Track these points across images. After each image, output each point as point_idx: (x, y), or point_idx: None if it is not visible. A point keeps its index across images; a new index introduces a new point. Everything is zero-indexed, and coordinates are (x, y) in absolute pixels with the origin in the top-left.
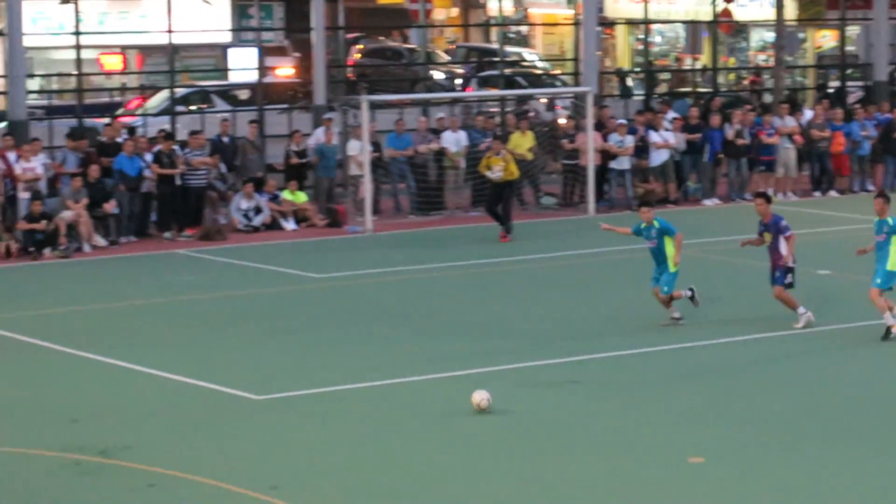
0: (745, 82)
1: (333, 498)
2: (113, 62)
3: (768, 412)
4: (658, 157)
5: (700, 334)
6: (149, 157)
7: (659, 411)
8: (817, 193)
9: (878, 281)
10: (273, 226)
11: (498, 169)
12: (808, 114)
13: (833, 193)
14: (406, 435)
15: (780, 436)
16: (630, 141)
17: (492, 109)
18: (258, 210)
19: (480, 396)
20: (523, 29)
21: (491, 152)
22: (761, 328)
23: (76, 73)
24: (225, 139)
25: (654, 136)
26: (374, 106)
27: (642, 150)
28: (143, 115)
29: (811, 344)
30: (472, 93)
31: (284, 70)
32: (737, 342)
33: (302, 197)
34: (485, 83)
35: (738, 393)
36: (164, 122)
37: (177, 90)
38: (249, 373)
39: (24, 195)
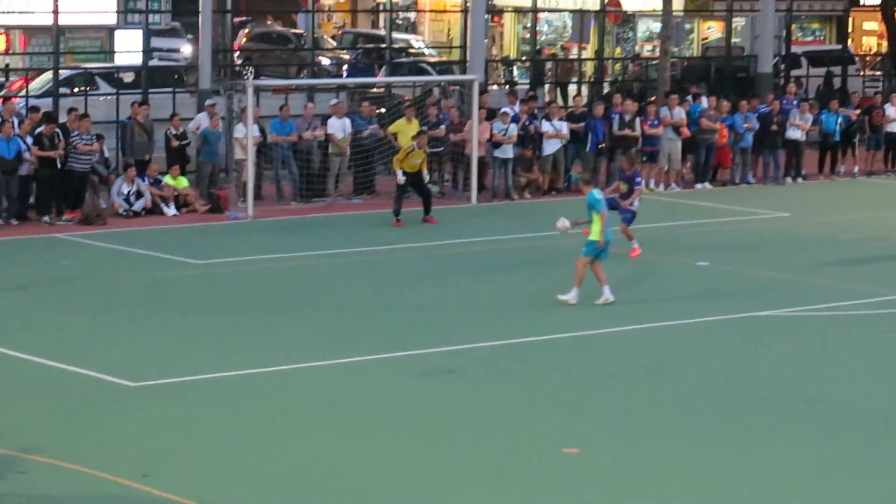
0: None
1: (205, 487)
2: None
3: (648, 403)
4: (550, 147)
5: (582, 324)
6: (30, 139)
7: (535, 401)
8: (699, 185)
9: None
10: (154, 210)
11: (417, 161)
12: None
13: (707, 185)
14: (282, 423)
15: (659, 426)
16: (513, 129)
17: (408, 97)
18: (139, 194)
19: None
20: (412, 16)
21: (410, 146)
22: (644, 319)
23: None
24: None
25: (546, 126)
26: (260, 90)
27: (525, 139)
28: (26, 96)
29: (691, 336)
30: (356, 79)
31: (182, 52)
32: (616, 332)
33: (183, 182)
34: (395, 70)
35: (618, 384)
36: (47, 105)
37: (61, 72)
38: (126, 359)
39: None
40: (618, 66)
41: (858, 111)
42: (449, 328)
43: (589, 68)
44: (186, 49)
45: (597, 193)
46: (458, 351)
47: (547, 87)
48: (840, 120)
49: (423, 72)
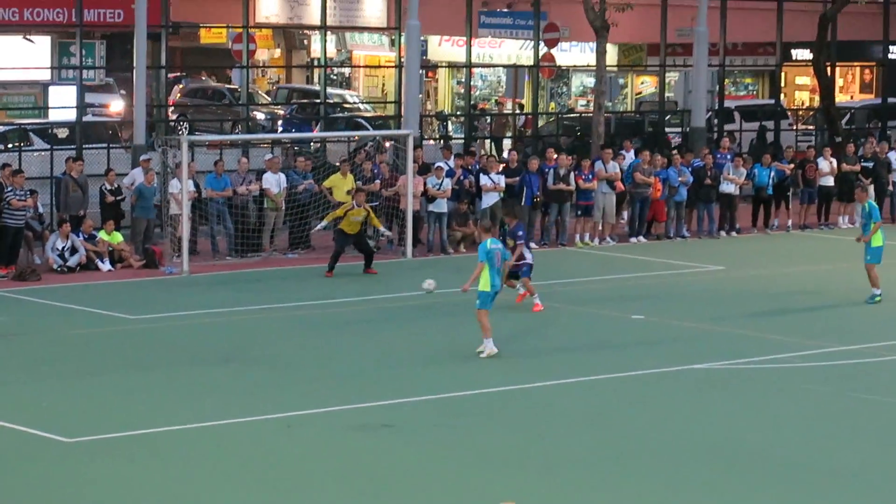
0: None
1: None
2: None
3: (584, 456)
4: (488, 200)
5: (515, 378)
6: None
7: (472, 455)
8: (634, 239)
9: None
10: (89, 266)
11: (359, 219)
12: (628, 157)
13: (642, 239)
14: (216, 478)
15: (595, 479)
16: (448, 184)
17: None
18: (74, 250)
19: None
20: (346, 71)
21: (349, 205)
22: (579, 372)
23: None
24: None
25: (483, 179)
26: (195, 146)
27: (460, 193)
28: None
29: (628, 388)
30: (291, 134)
31: (115, 107)
32: (552, 385)
33: (118, 237)
34: (330, 125)
35: (554, 436)
36: None
37: None
38: (61, 415)
39: None
40: (552, 121)
41: (792, 165)
42: (385, 382)
43: (521, 122)
44: (118, 104)
45: (488, 244)
46: (395, 405)
47: (479, 141)
48: (773, 174)
49: (359, 126)
